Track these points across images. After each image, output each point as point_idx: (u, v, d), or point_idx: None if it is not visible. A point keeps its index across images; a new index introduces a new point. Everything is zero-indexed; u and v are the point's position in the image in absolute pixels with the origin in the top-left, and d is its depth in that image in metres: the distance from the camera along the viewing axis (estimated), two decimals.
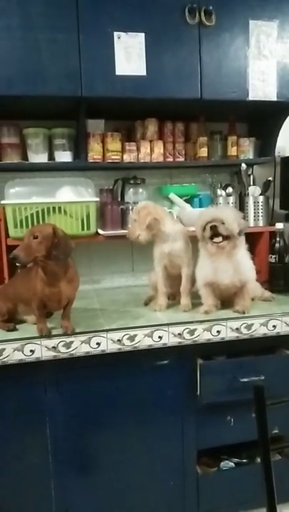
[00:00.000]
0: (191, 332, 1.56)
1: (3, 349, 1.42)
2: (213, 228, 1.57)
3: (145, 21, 1.72)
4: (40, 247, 1.37)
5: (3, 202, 1.85)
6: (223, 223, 1.57)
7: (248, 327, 1.60)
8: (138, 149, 2.00)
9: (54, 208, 1.84)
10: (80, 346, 1.48)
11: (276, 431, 1.67)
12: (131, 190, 2.12)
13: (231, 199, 2.14)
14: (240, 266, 1.64)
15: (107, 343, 1.50)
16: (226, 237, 1.58)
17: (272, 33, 1.86)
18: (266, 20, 1.84)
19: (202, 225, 1.60)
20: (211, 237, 1.59)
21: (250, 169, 2.23)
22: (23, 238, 1.40)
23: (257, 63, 1.86)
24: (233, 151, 2.11)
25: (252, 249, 1.88)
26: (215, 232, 1.57)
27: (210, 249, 1.62)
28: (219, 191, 2.16)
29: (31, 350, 1.44)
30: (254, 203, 2.11)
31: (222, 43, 1.81)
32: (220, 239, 1.58)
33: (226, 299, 1.73)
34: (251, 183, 2.17)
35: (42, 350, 1.45)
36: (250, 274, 1.69)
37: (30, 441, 1.55)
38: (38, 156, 1.95)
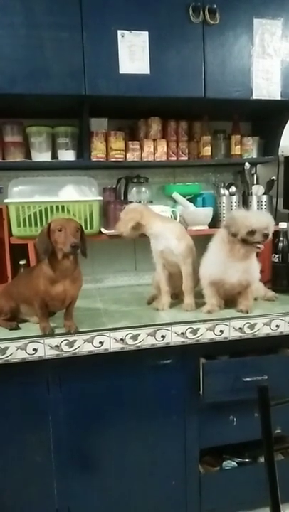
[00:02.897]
0: (194, 331, 1.56)
1: (7, 348, 1.43)
2: (266, 236, 1.56)
3: (149, 20, 1.72)
4: (78, 239, 1.41)
5: (6, 201, 1.85)
6: (266, 229, 1.56)
7: (251, 327, 1.60)
8: (141, 148, 1.99)
9: (57, 207, 1.84)
10: (83, 345, 1.48)
11: (279, 431, 1.67)
12: (134, 189, 2.12)
13: (234, 198, 2.13)
14: (250, 266, 1.65)
15: (110, 342, 1.50)
16: None
17: (277, 31, 1.85)
18: (270, 18, 1.83)
19: (255, 228, 1.55)
20: (257, 242, 1.57)
21: (254, 168, 2.22)
22: (67, 231, 1.39)
23: (261, 62, 1.86)
24: (236, 150, 2.11)
25: None
26: (264, 240, 1.56)
27: (237, 251, 1.59)
28: (222, 190, 2.16)
29: (34, 349, 1.45)
30: (257, 202, 2.11)
31: (226, 42, 1.80)
32: (260, 246, 1.57)
33: (230, 299, 1.72)
34: (255, 182, 2.17)
35: (45, 349, 1.45)
36: (256, 275, 1.68)
37: (33, 440, 1.55)
38: (41, 155, 1.95)
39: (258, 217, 1.59)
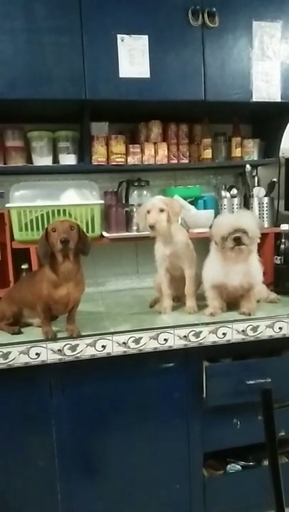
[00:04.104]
0: (197, 334, 1.55)
1: (9, 352, 1.42)
2: (237, 240, 1.55)
3: (148, 23, 1.73)
4: (75, 239, 1.42)
5: (8, 205, 1.85)
6: (244, 232, 1.55)
7: (254, 329, 1.60)
8: (142, 151, 2.00)
9: (59, 211, 1.85)
10: (86, 349, 1.48)
11: (283, 433, 1.66)
12: (135, 192, 2.13)
13: (236, 200, 2.13)
14: (251, 268, 1.64)
15: (112, 346, 1.50)
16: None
17: (276, 33, 1.85)
18: (269, 21, 1.84)
19: (223, 234, 1.57)
20: (233, 246, 1.57)
21: (255, 170, 2.22)
22: (60, 230, 1.40)
23: (261, 64, 1.86)
24: (237, 152, 2.11)
25: (257, 250, 1.87)
26: (238, 243, 1.55)
27: (229, 256, 1.59)
28: (224, 193, 2.16)
29: (37, 353, 1.44)
30: (259, 204, 2.11)
31: (225, 45, 1.81)
32: (242, 247, 1.56)
33: (232, 301, 1.72)
34: (256, 185, 2.16)
35: (47, 353, 1.45)
36: (258, 277, 1.68)
37: (36, 444, 1.55)
38: (42, 159, 1.96)
39: (227, 221, 1.59)
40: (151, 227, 1.61)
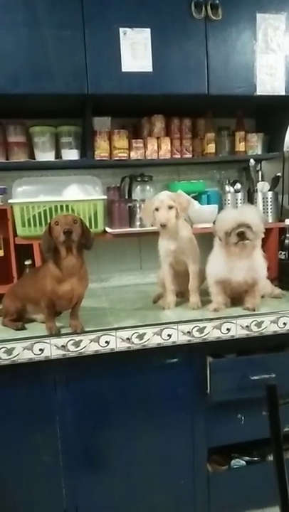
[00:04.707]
0: (201, 330, 1.55)
1: (13, 348, 1.42)
2: (241, 235, 1.53)
3: (151, 16, 1.71)
4: (78, 232, 1.42)
5: (10, 201, 1.85)
6: (248, 227, 1.54)
7: (258, 325, 1.59)
8: (145, 146, 1.98)
9: (62, 207, 1.84)
10: (89, 345, 1.48)
11: (287, 429, 1.65)
12: (138, 187, 2.11)
13: (240, 195, 2.12)
14: (255, 264, 1.63)
15: (116, 342, 1.49)
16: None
17: (280, 26, 1.83)
18: (273, 13, 1.82)
19: (227, 230, 1.55)
20: (237, 241, 1.55)
21: (259, 165, 2.21)
22: (62, 223, 1.40)
23: (265, 57, 1.84)
24: (241, 146, 2.09)
25: (261, 245, 1.85)
26: (242, 238, 1.54)
27: (233, 251, 1.58)
28: (227, 187, 2.15)
29: (41, 349, 1.44)
30: (263, 199, 2.09)
31: (229, 38, 1.79)
32: (246, 242, 1.55)
33: (236, 297, 1.71)
34: (260, 179, 2.15)
35: (51, 349, 1.45)
36: (262, 273, 1.67)
37: (41, 440, 1.55)
38: (44, 155, 1.95)
39: (230, 216, 1.58)
40: (163, 225, 1.60)
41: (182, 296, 1.82)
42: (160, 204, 1.61)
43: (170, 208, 1.61)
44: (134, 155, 1.97)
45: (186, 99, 1.85)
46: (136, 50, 1.71)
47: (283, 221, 1.95)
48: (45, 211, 1.83)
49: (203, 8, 1.73)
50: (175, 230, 1.66)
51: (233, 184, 2.16)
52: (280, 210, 2.16)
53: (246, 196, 2.16)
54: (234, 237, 1.54)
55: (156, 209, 1.62)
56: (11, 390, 1.50)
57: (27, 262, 1.89)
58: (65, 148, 1.96)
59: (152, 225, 1.68)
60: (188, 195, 2.10)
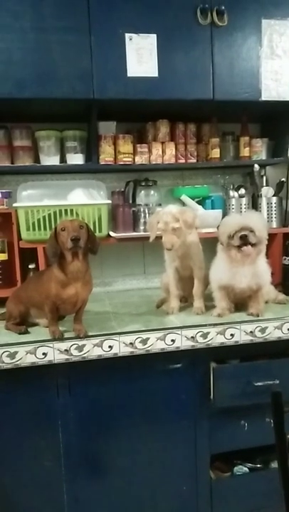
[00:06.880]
0: (204, 335, 1.54)
1: (16, 352, 1.42)
2: (244, 238, 1.52)
3: (157, 22, 1.72)
4: (85, 238, 1.41)
5: (15, 205, 1.85)
6: (251, 231, 1.53)
7: (262, 330, 1.58)
8: (150, 151, 1.99)
9: (66, 211, 1.85)
10: (93, 349, 1.47)
11: None
12: (142, 192, 2.12)
13: (244, 200, 2.12)
14: (258, 270, 1.62)
15: (119, 346, 1.49)
16: (253, 245, 1.54)
17: (286, 31, 1.84)
18: (279, 18, 1.82)
19: (230, 233, 1.55)
20: (239, 246, 1.54)
21: (263, 170, 2.20)
22: (69, 229, 1.39)
23: (270, 63, 1.84)
24: (245, 151, 2.09)
25: (265, 251, 1.85)
26: (245, 242, 1.53)
27: (235, 257, 1.57)
28: (232, 193, 2.15)
29: (44, 353, 1.44)
30: (267, 204, 2.09)
31: (234, 43, 1.79)
32: (249, 247, 1.54)
33: (240, 302, 1.70)
34: (264, 184, 2.15)
35: (54, 353, 1.45)
36: (266, 278, 1.66)
37: (43, 445, 1.55)
38: (50, 159, 1.95)
39: (233, 220, 1.58)
40: (169, 249, 1.59)
41: (186, 301, 1.81)
42: (165, 227, 1.58)
43: (174, 229, 1.58)
44: (139, 160, 1.97)
45: (191, 105, 1.85)
46: (141, 56, 1.72)
47: (287, 226, 1.94)
48: (49, 215, 1.83)
49: (209, 14, 1.74)
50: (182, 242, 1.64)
51: (237, 189, 2.16)
52: (284, 216, 2.16)
53: (250, 201, 2.15)
54: (236, 240, 1.54)
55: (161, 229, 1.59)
56: (14, 394, 1.50)
57: (31, 266, 1.90)
58: (70, 152, 1.97)
59: (153, 239, 1.66)
60: (193, 199, 2.10)
